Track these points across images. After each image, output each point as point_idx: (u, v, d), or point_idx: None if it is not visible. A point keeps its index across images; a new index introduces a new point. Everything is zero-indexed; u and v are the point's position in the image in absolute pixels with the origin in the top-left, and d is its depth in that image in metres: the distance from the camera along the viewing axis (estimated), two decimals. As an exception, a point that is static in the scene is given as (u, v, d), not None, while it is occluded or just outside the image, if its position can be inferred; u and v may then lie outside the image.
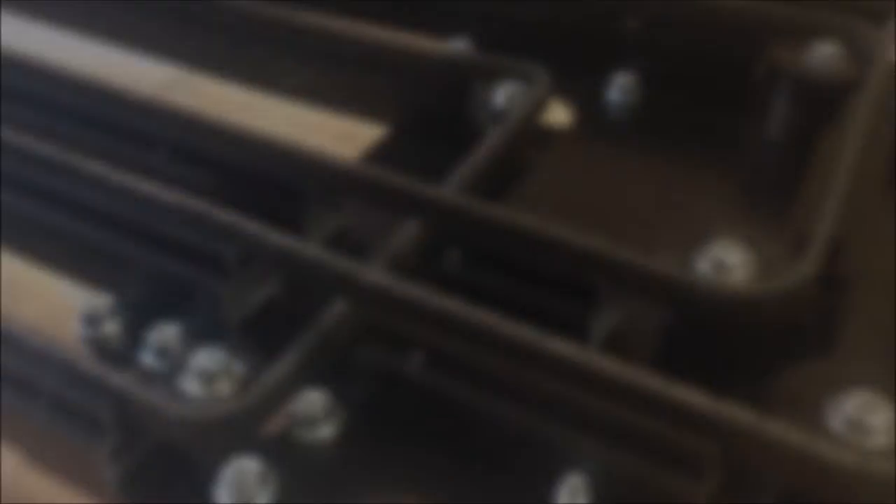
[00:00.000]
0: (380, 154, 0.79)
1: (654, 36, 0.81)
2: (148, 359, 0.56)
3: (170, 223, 0.58)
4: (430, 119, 0.79)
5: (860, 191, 0.61)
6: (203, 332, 0.57)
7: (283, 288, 0.60)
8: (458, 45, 0.86)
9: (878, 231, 0.64)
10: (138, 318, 0.59)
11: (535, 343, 0.48)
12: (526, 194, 0.71)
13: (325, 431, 0.53)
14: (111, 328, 0.58)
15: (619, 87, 0.82)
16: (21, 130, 0.66)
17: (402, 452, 0.52)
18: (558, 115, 0.81)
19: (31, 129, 0.70)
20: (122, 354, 0.57)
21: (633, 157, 0.77)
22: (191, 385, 0.51)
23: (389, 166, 0.62)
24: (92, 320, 0.58)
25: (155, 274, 0.58)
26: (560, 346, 0.48)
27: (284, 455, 0.51)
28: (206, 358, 0.50)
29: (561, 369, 0.48)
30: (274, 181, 0.63)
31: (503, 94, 0.76)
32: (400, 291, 0.51)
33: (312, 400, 0.53)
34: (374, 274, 0.52)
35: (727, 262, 0.54)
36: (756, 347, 0.56)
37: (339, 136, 0.96)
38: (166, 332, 0.56)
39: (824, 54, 0.74)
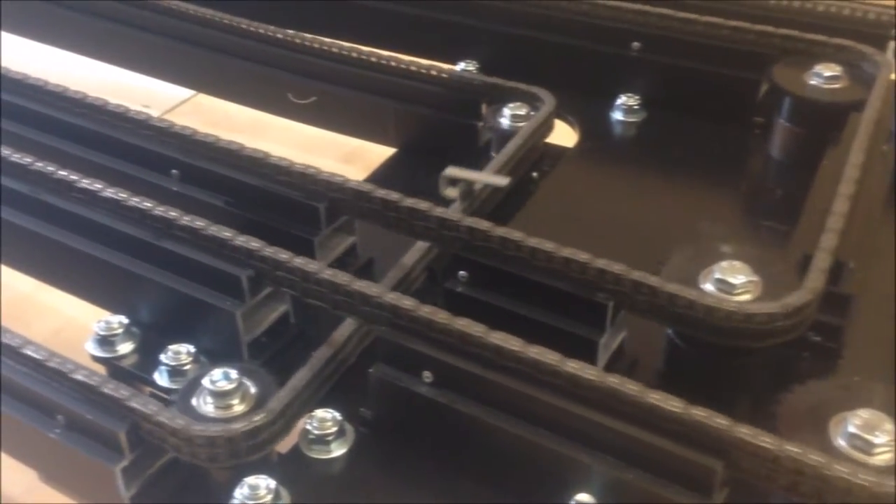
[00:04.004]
0: (387, 174, 0.80)
1: (657, 58, 0.82)
2: (162, 378, 0.56)
3: (182, 244, 0.59)
4: (438, 140, 0.80)
5: (862, 210, 0.62)
6: (216, 351, 0.57)
7: (295, 308, 0.60)
8: (466, 69, 0.87)
9: (881, 250, 0.64)
10: (152, 338, 0.59)
11: (543, 360, 0.48)
12: (532, 214, 0.72)
13: (336, 449, 0.53)
14: (125, 348, 0.59)
15: (623, 109, 0.83)
16: (34, 152, 0.67)
17: (411, 469, 0.53)
18: (563, 136, 0.82)
19: (43, 150, 0.71)
20: (136, 374, 0.58)
21: (637, 178, 0.78)
22: (204, 404, 0.51)
23: (397, 186, 0.62)
24: (106, 340, 0.59)
25: (168, 294, 0.59)
26: (568, 364, 0.48)
27: (296, 472, 0.52)
28: (220, 377, 0.51)
29: (569, 387, 0.48)
30: (284, 202, 0.64)
31: (509, 116, 0.77)
32: (408, 310, 0.52)
33: (323, 418, 0.53)
34: (384, 293, 0.53)
35: (732, 281, 0.54)
36: (760, 366, 0.56)
37: (346, 156, 0.97)
38: (180, 352, 0.57)
39: (826, 76, 0.75)
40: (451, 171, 0.63)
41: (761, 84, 0.79)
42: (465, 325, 0.50)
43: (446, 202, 0.63)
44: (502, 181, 0.64)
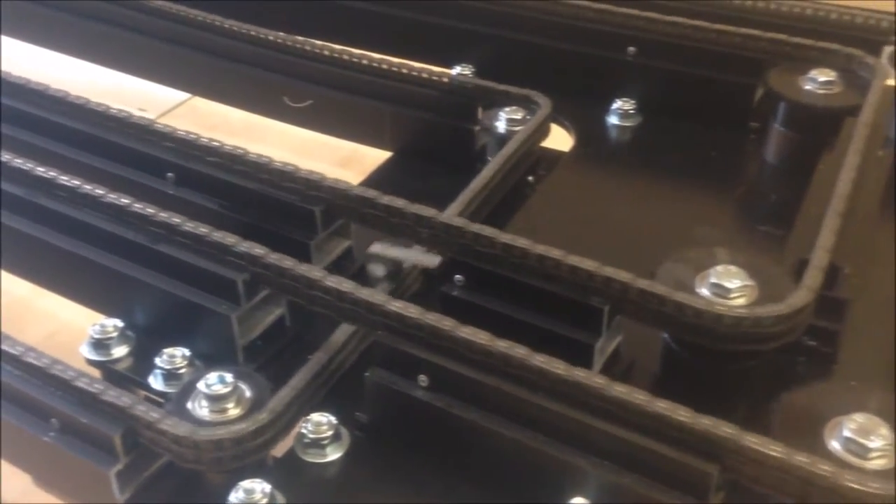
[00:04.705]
0: (383, 178, 0.80)
1: (652, 63, 0.82)
2: (157, 382, 0.56)
3: (178, 248, 0.59)
4: (434, 144, 0.80)
5: (858, 216, 0.62)
6: (212, 355, 0.57)
7: (291, 311, 0.60)
8: (461, 72, 0.88)
9: (877, 255, 0.65)
10: (147, 341, 0.59)
11: (538, 365, 0.49)
12: (528, 217, 0.72)
13: (331, 453, 0.53)
14: (120, 351, 0.59)
15: (619, 113, 0.84)
16: (29, 155, 0.67)
17: (407, 473, 0.53)
18: (559, 140, 0.82)
19: (38, 153, 0.71)
20: (131, 377, 0.58)
21: (632, 182, 0.78)
22: (199, 408, 0.51)
23: (393, 190, 0.62)
24: (101, 344, 0.59)
25: (163, 298, 0.59)
26: (563, 369, 0.48)
27: (291, 476, 0.52)
28: (215, 381, 0.51)
29: (564, 391, 0.48)
30: (280, 205, 0.64)
31: (505, 120, 0.77)
32: (404, 314, 0.52)
33: (318, 422, 0.53)
34: (379, 297, 0.53)
35: (727, 286, 0.54)
36: (756, 370, 0.56)
37: (342, 160, 0.97)
38: (175, 356, 0.56)
39: (821, 81, 0.75)
40: (378, 247, 0.60)
41: (757, 89, 0.79)
42: (434, 318, 0.51)
43: (441, 203, 0.63)
44: (433, 261, 0.59)
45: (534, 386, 0.49)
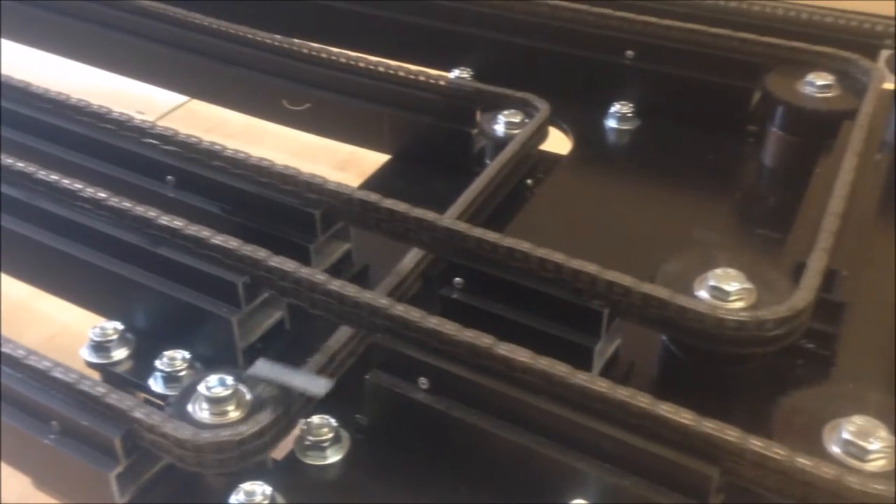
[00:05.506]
0: (382, 181, 0.80)
1: (650, 67, 0.83)
2: (157, 384, 0.56)
3: (178, 250, 0.59)
4: (432, 147, 0.80)
5: (855, 218, 0.62)
6: (212, 357, 0.57)
7: (290, 314, 0.60)
8: (460, 76, 0.88)
9: (875, 259, 0.65)
10: (147, 344, 0.59)
11: (539, 367, 0.49)
12: (526, 221, 0.72)
13: (332, 455, 0.53)
14: (120, 354, 0.59)
15: (617, 117, 0.84)
16: (28, 158, 0.67)
17: (407, 475, 0.53)
18: (557, 143, 0.82)
19: (37, 156, 0.71)
20: (131, 380, 0.58)
21: (631, 185, 0.79)
22: (200, 410, 0.51)
23: (392, 194, 0.63)
24: (101, 346, 0.59)
25: (164, 301, 0.59)
26: (562, 371, 0.48)
27: (292, 478, 0.52)
28: (215, 383, 0.51)
29: (564, 393, 0.48)
30: (280, 208, 0.64)
31: (504, 123, 0.77)
32: (404, 316, 0.52)
33: (319, 425, 0.53)
34: (379, 299, 0.53)
35: (726, 288, 0.55)
36: (756, 373, 0.57)
37: (340, 163, 0.97)
38: (175, 358, 0.56)
39: (818, 84, 0.75)
40: (261, 368, 0.52)
41: (754, 92, 0.79)
42: (436, 323, 0.51)
43: (440, 206, 0.63)
44: (320, 390, 0.51)
45: (534, 389, 0.49)
